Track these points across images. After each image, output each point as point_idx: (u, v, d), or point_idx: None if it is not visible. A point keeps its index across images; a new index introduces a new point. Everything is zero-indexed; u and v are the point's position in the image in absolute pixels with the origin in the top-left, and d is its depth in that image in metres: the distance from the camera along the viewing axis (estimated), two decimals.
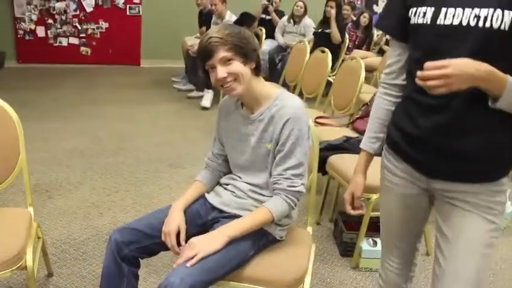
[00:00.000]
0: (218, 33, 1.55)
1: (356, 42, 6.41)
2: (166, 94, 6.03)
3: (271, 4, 6.84)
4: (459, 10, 1.18)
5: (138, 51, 7.78)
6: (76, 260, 2.41)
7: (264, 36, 5.87)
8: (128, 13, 7.53)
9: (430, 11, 1.24)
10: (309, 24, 6.33)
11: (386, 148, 1.48)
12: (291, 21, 6.44)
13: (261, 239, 1.64)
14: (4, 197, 2.81)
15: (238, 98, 1.71)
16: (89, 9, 7.37)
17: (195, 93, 5.89)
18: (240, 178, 1.76)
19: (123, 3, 7.46)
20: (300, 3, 6.29)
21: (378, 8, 8.89)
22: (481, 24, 1.13)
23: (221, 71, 1.55)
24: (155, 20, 7.57)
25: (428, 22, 1.24)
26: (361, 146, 1.57)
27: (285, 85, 4.72)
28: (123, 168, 3.62)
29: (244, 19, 5.48)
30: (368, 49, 6.42)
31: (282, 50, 6.29)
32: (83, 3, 7.32)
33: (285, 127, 1.58)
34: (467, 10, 1.15)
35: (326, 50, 4.00)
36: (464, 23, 1.16)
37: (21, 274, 2.13)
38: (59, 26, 7.36)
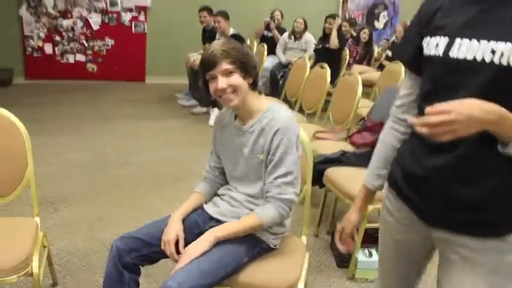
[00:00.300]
0: (222, 47, 1.66)
1: (356, 58, 6.53)
2: (170, 110, 6.15)
3: (273, 21, 6.98)
4: (474, 42, 1.07)
5: (143, 67, 7.92)
6: (80, 270, 2.48)
7: (265, 52, 5.99)
8: (133, 31, 7.69)
9: (443, 42, 1.14)
10: (310, 39, 6.45)
11: (387, 187, 1.39)
12: (292, 37, 6.56)
13: (256, 247, 1.72)
14: (12, 209, 2.90)
15: (233, 110, 1.80)
16: (95, 27, 7.54)
17: (198, 109, 6.00)
18: (236, 189, 1.84)
19: (128, 21, 7.62)
20: (300, 20, 6.42)
21: (379, 24, 9.02)
22: (496, 60, 1.02)
23: (222, 82, 1.64)
24: (160, 37, 7.72)
25: (441, 54, 1.14)
26: (364, 181, 1.47)
27: (285, 100, 4.83)
28: (127, 182, 3.71)
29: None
30: (369, 64, 6.53)
31: (284, 67, 6.40)
32: (90, 21, 7.49)
33: (274, 138, 1.66)
34: (483, 43, 1.05)
35: (325, 65, 4.10)
36: (478, 58, 1.05)
37: (27, 282, 2.21)
38: (66, 43, 7.52)
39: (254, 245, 1.71)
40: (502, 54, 1.02)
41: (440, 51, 1.13)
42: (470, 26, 1.09)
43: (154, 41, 7.75)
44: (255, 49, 6.46)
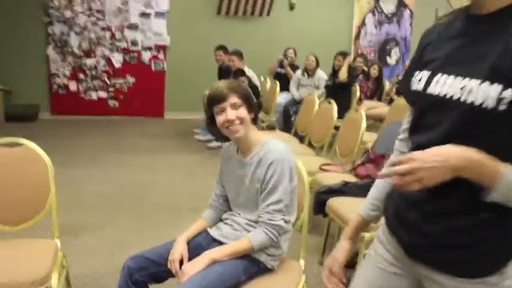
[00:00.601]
0: (231, 84, 1.88)
1: (367, 94, 6.71)
2: (187, 144, 6.38)
3: (286, 59, 7.26)
4: (450, 78, 1.06)
5: (162, 104, 8.24)
6: None
7: (278, 89, 6.23)
8: (153, 68, 8.05)
9: (425, 76, 1.13)
10: (322, 76, 6.68)
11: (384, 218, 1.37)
12: (305, 74, 6.81)
13: (253, 267, 1.87)
14: (34, 234, 3.10)
15: (235, 142, 1.99)
16: (117, 65, 7.92)
17: (214, 144, 6.22)
18: (239, 214, 2.02)
19: (148, 60, 7.99)
20: (312, 57, 6.68)
21: (391, 60, 9.25)
22: (464, 98, 1.01)
23: (231, 114, 1.84)
24: (178, 75, 8.06)
25: (421, 89, 1.13)
26: (359, 210, 1.45)
27: (296, 135, 5.02)
28: (145, 212, 3.90)
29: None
30: (379, 100, 6.70)
31: (297, 103, 6.60)
32: (112, 59, 7.88)
33: (269, 168, 1.84)
34: (458, 79, 1.04)
35: (332, 101, 4.29)
36: (448, 95, 1.05)
37: None
38: (89, 81, 7.90)
39: (252, 264, 1.87)
40: (470, 92, 1.01)
41: (421, 86, 1.14)
42: (450, 61, 1.09)
43: (173, 78, 8.09)
44: (268, 86, 6.71)
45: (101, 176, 4.78)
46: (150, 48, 7.95)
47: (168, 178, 4.86)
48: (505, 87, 0.96)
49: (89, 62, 7.82)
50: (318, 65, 6.71)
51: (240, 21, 8.25)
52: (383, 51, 9.20)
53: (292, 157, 1.94)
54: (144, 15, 7.81)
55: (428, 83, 1.12)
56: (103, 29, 7.74)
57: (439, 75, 1.09)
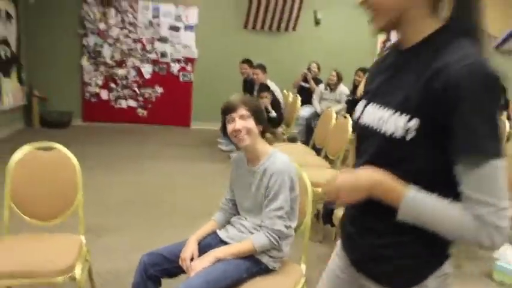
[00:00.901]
0: (243, 97, 2.11)
1: None
2: (211, 153, 6.61)
3: (310, 72, 7.46)
4: (375, 108, 1.15)
5: (189, 113, 8.52)
6: (116, 285, 2.88)
7: (299, 102, 6.41)
8: (181, 79, 8.36)
9: (361, 106, 1.22)
10: (344, 91, 6.84)
11: None
12: (328, 88, 6.98)
13: (255, 266, 2.06)
14: (61, 230, 3.36)
15: (244, 151, 2.19)
16: (146, 76, 8.26)
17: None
18: (246, 218, 2.21)
19: (177, 71, 8.31)
20: (333, 73, 6.86)
21: None
22: (380, 128, 1.09)
23: (239, 124, 2.05)
24: (205, 86, 8.33)
25: (356, 119, 1.23)
26: None
27: (314, 147, 5.19)
28: (163, 215, 4.13)
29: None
30: None
31: (319, 116, 6.78)
32: (142, 70, 8.22)
33: (271, 178, 2.03)
34: (380, 110, 1.12)
35: (348, 116, 4.45)
36: (371, 125, 1.14)
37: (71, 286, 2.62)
38: (120, 90, 8.26)
39: (254, 265, 2.05)
40: (384, 122, 1.08)
41: (356, 116, 1.23)
42: (378, 93, 1.18)
43: (200, 89, 8.36)
44: (290, 99, 6.91)
45: (126, 181, 5.04)
46: (178, 60, 8.27)
47: (188, 185, 5.09)
48: (411, 118, 1.02)
49: (120, 72, 8.19)
50: (340, 80, 6.87)
51: (266, 35, 8.49)
52: None
53: (294, 168, 2.13)
54: (174, 28, 8.15)
55: (362, 112, 1.21)
56: (135, 41, 8.11)
57: (369, 105, 1.18)
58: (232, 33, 8.34)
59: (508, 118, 5.84)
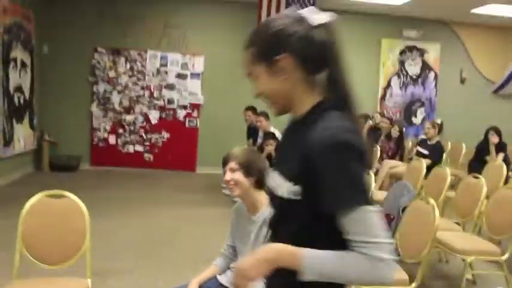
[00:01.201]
0: (236, 151, 2.26)
1: (389, 153, 6.96)
2: (214, 198, 6.71)
3: None
4: (275, 174, 1.28)
5: (195, 159, 8.69)
6: None
7: None
8: (186, 125, 8.58)
9: (271, 172, 1.34)
10: None
11: None
12: None
13: None
14: (67, 273, 3.47)
15: (241, 200, 2.33)
16: (153, 121, 8.50)
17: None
18: None
19: (183, 117, 8.54)
20: None
21: (417, 120, 9.50)
22: (278, 191, 1.24)
23: (227, 175, 2.23)
24: (210, 132, 8.53)
25: (267, 183, 1.36)
26: None
27: None
28: (167, 259, 4.22)
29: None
30: (401, 159, 6.93)
31: None
32: (149, 116, 8.47)
33: None
34: (277, 176, 1.26)
35: None
36: (273, 187, 1.28)
37: None
38: (127, 135, 8.49)
39: None
40: (279, 187, 1.24)
41: (267, 180, 1.37)
42: (277, 160, 1.39)
43: (205, 135, 8.56)
44: None
45: (131, 224, 5.16)
46: (185, 107, 8.52)
47: (192, 229, 5.19)
48: (295, 184, 1.19)
49: (128, 118, 8.44)
50: None
51: None
52: (408, 111, 9.49)
53: None
54: (180, 76, 8.45)
55: (269, 177, 1.35)
56: (143, 88, 8.41)
57: (273, 172, 1.31)
58: (237, 80, 8.58)
59: (506, 162, 5.95)
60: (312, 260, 1.13)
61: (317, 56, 1.22)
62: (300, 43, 1.21)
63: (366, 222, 1.12)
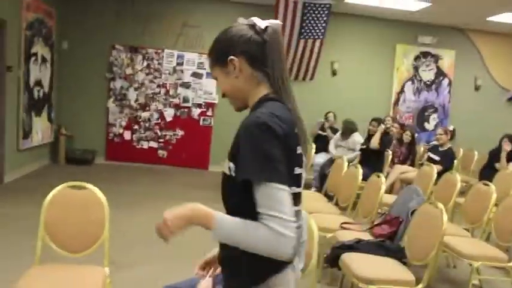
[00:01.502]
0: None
1: (400, 158, 7.01)
2: None
3: (327, 121, 7.77)
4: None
5: (208, 157, 8.80)
6: None
7: (313, 150, 6.66)
8: (201, 123, 8.69)
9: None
10: (358, 140, 7.04)
11: None
12: (343, 135, 7.23)
13: None
14: (84, 261, 3.59)
15: None
16: (168, 119, 8.62)
17: None
18: None
19: (197, 115, 8.66)
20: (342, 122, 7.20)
21: (430, 126, 9.51)
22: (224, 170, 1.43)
23: None
24: (224, 131, 8.59)
25: None
26: None
27: (326, 195, 5.38)
28: (183, 251, 4.32)
29: None
30: (412, 164, 6.97)
31: (332, 163, 6.99)
32: (164, 113, 8.60)
33: None
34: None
35: (358, 166, 4.67)
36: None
37: None
38: (142, 132, 8.62)
39: None
40: (225, 167, 1.43)
41: None
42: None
43: (219, 133, 8.66)
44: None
45: (145, 217, 5.28)
46: (199, 105, 8.64)
47: None
48: (230, 161, 1.39)
49: (144, 114, 8.58)
50: (353, 129, 7.10)
51: None
52: (421, 117, 9.51)
53: (303, 214, 2.34)
54: (196, 75, 8.57)
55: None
56: (159, 85, 8.53)
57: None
58: None
59: None
60: (221, 224, 1.30)
61: (260, 54, 1.42)
62: (245, 44, 1.42)
63: (273, 198, 1.25)
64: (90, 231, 2.72)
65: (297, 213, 1.44)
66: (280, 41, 1.46)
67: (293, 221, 1.26)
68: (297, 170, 1.43)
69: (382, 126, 6.60)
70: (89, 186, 2.78)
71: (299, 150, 1.44)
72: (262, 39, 1.43)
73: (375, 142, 6.50)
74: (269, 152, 1.28)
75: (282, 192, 1.27)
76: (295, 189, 1.43)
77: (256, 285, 1.41)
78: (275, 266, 1.38)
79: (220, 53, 1.46)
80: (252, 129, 1.30)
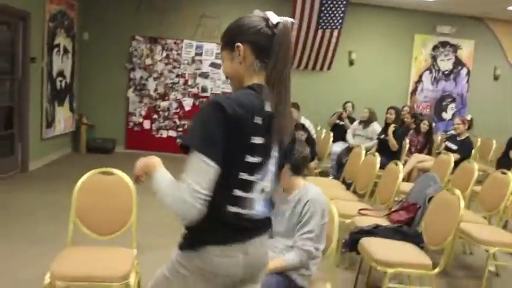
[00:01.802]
0: None
1: (417, 147, 7.03)
2: None
3: (345, 111, 7.82)
4: None
5: None
6: None
7: (331, 139, 6.74)
8: None
9: None
10: (376, 129, 7.06)
11: None
12: (362, 124, 7.25)
13: (285, 281, 2.35)
14: (114, 243, 3.74)
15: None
16: (187, 108, 8.75)
17: None
18: (279, 240, 2.52)
19: None
20: (366, 110, 7.16)
21: (447, 115, 9.49)
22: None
23: None
24: None
25: None
26: None
27: (344, 182, 5.46)
28: None
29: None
30: (429, 153, 6.98)
31: (350, 152, 7.04)
32: (183, 103, 8.73)
33: (305, 206, 2.36)
34: None
35: (376, 154, 4.74)
36: None
37: None
38: (161, 121, 8.77)
39: (284, 280, 2.35)
40: None
41: None
42: None
43: None
44: (323, 135, 7.25)
45: (163, 205, 5.40)
46: (217, 95, 8.74)
47: None
48: None
49: (163, 104, 8.72)
50: (371, 117, 7.11)
51: (302, 74, 8.87)
52: (439, 106, 9.49)
53: (324, 199, 2.45)
54: (214, 65, 8.66)
55: None
56: (178, 75, 8.66)
57: None
58: None
59: None
60: (158, 174, 1.57)
61: (266, 47, 1.50)
62: (254, 35, 1.51)
63: (195, 167, 1.39)
64: (118, 215, 2.85)
65: (250, 201, 1.53)
66: (288, 39, 1.54)
67: (204, 194, 1.39)
68: (249, 158, 1.48)
69: (392, 117, 6.60)
70: (117, 172, 2.90)
71: (256, 140, 1.48)
72: (272, 33, 1.51)
73: (392, 144, 6.43)
74: (209, 127, 1.39)
75: (206, 167, 1.38)
76: (246, 176, 1.50)
77: (196, 248, 1.67)
78: (218, 239, 1.60)
79: (230, 39, 1.56)
80: (205, 105, 1.44)
